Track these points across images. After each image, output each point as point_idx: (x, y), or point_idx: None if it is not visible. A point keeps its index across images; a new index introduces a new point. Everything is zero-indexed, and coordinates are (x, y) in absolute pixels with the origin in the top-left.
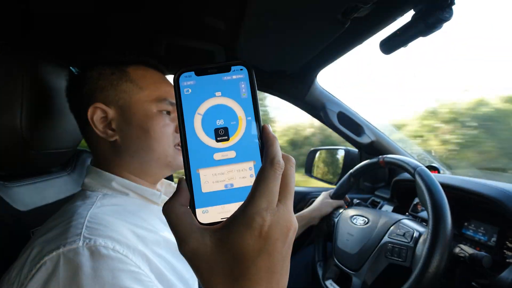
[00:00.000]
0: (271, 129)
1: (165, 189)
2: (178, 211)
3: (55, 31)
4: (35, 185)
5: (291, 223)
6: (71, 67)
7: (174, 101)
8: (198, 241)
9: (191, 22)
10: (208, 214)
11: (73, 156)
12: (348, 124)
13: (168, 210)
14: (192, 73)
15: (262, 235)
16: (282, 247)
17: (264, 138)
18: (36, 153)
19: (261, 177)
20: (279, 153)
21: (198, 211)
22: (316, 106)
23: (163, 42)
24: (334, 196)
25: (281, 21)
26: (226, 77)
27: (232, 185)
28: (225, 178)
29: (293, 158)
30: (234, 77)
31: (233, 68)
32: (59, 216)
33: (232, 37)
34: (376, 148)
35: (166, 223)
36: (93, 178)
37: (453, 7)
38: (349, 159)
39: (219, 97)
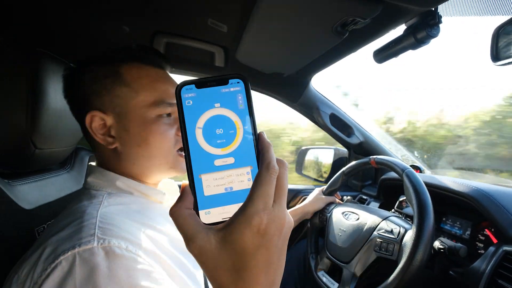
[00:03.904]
0: (266, 136)
1: (166, 187)
2: (184, 214)
3: (56, 29)
4: (36, 183)
5: (285, 220)
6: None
7: (172, 101)
8: (204, 240)
9: (195, 24)
10: (211, 215)
11: (71, 154)
12: (339, 125)
13: (175, 213)
14: (193, 86)
15: (260, 232)
16: (277, 241)
17: (260, 145)
18: (40, 151)
19: (258, 181)
20: (274, 158)
21: (201, 212)
22: (309, 107)
23: (162, 41)
24: (326, 192)
25: (282, 29)
26: (224, 89)
27: (231, 188)
28: (225, 182)
29: (286, 162)
30: (231, 89)
31: (230, 81)
32: (68, 215)
33: (233, 40)
34: (364, 148)
35: (171, 221)
36: (97, 177)
37: (440, 25)
38: (338, 158)
39: (218, 108)
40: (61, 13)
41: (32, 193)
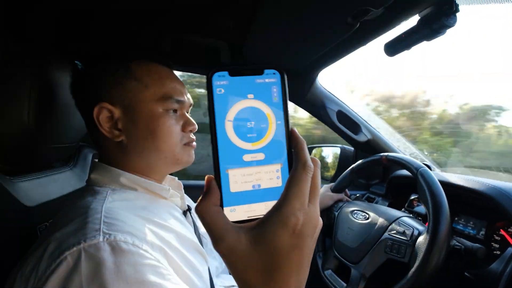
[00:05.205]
0: (298, 132)
1: (170, 183)
2: (212, 211)
3: (60, 26)
4: (39, 180)
5: (318, 220)
6: (76, 62)
7: (180, 98)
8: (234, 239)
9: (201, 20)
10: (236, 213)
11: (75, 151)
12: (346, 123)
13: (202, 210)
14: (226, 73)
15: (295, 233)
16: (310, 241)
17: (294, 142)
18: (43, 147)
19: (295, 180)
20: (309, 157)
21: (226, 209)
22: (316, 104)
23: (168, 37)
24: (335, 189)
25: (291, 22)
26: (259, 79)
27: (259, 185)
28: (253, 179)
29: (319, 161)
30: (266, 80)
31: (266, 71)
32: (71, 211)
33: (240, 35)
34: (372, 146)
35: (176, 217)
36: (101, 173)
37: (457, 14)
38: (344, 157)
39: (251, 99)
40: (68, 10)
41: (34, 190)
